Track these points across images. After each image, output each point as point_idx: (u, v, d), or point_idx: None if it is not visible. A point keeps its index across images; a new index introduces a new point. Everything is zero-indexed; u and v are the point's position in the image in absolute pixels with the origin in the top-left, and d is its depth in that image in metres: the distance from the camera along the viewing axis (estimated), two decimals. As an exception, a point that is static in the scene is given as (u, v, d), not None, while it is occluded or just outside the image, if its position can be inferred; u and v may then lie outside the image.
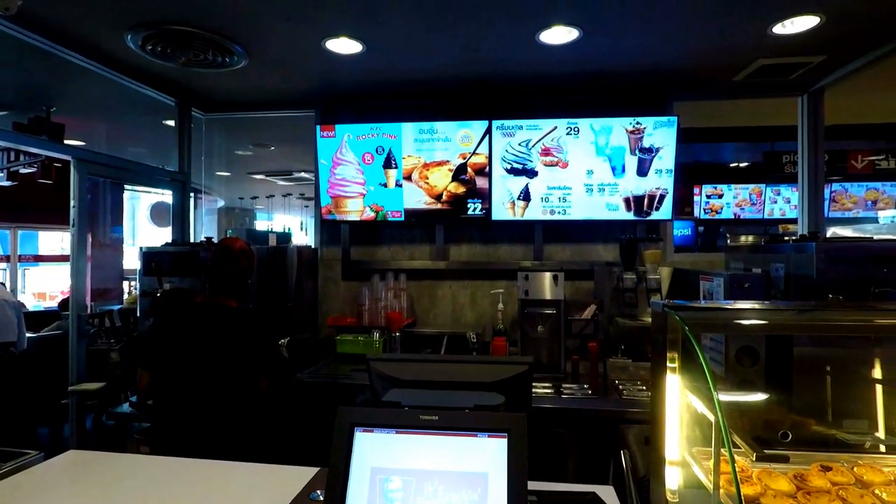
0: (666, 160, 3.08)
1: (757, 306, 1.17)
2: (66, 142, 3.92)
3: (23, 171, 4.78)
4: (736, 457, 1.17)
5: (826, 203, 7.03)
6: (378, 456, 0.91)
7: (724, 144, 6.83)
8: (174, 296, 2.74)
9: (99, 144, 4.66)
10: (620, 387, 2.65)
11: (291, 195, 8.82)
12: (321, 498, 0.89)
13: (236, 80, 3.07)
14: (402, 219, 3.29)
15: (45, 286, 9.64)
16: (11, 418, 3.75)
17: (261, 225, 10.98)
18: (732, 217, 7.31)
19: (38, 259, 9.62)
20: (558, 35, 2.46)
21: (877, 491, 1.05)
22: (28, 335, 4.18)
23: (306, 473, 1.37)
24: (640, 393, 2.56)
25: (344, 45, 2.58)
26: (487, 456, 0.89)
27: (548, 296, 2.91)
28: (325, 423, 1.05)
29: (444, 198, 3.22)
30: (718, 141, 6.56)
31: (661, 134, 3.06)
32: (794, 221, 5.85)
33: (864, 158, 6.66)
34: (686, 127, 4.67)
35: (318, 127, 3.29)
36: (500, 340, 2.94)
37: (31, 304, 8.36)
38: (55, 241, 9.61)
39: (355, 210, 3.32)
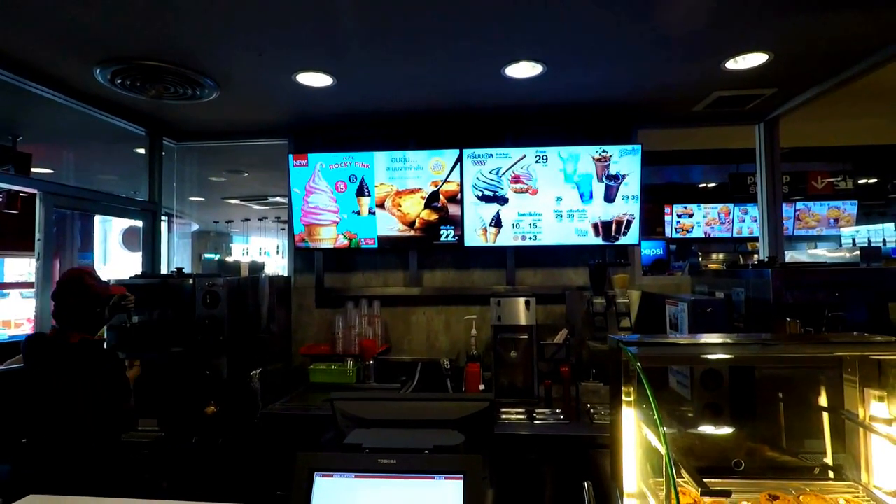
0: (632, 186, 3.19)
1: (704, 341, 1.23)
2: (33, 170, 3.86)
3: (-15, 202, 4.65)
4: (688, 488, 1.21)
5: (791, 221, 7.30)
6: (337, 501, 0.92)
7: (693, 166, 7.06)
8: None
9: (67, 172, 4.58)
10: (592, 411, 2.69)
11: (267, 218, 8.76)
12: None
13: (208, 111, 3.09)
14: (376, 246, 3.31)
15: (11, 313, 9.29)
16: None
17: (237, 248, 10.85)
18: (703, 236, 7.50)
19: (3, 287, 9.29)
20: (523, 70, 2.55)
21: (819, 518, 1.10)
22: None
23: (271, 515, 1.36)
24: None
25: (315, 79, 2.63)
26: (444, 498, 0.91)
27: (521, 321, 2.96)
28: (296, 458, 1.05)
29: (416, 225, 3.26)
30: (687, 163, 6.77)
31: (627, 161, 3.17)
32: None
33: (824, 179, 6.96)
34: (656, 150, 4.83)
35: (290, 156, 3.31)
36: (475, 366, 2.96)
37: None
38: (22, 266, 9.30)
39: (329, 238, 3.33)
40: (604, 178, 3.20)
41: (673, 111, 3.28)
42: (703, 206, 7.42)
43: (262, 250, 10.69)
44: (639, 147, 3.17)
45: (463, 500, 0.90)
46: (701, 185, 7.77)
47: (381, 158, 3.25)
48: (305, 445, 2.67)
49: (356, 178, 3.27)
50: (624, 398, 1.22)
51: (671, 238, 7.54)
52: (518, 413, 2.68)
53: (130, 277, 2.92)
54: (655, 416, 0.98)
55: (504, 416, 2.63)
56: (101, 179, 5.18)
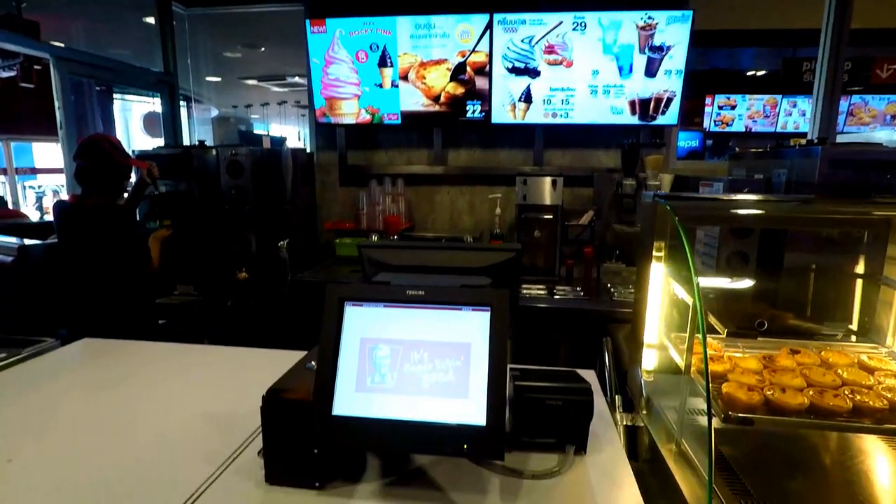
0: (677, 60, 2.92)
1: (744, 198, 1.17)
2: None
3: (2, 75, 4.57)
4: (710, 339, 1.23)
5: (843, 117, 6.73)
6: (367, 327, 0.96)
7: (743, 49, 6.42)
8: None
9: (78, 46, 4.42)
10: (612, 289, 2.72)
11: (287, 102, 8.51)
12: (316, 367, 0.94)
13: (216, -35, 2.83)
14: (399, 122, 3.18)
15: (44, 200, 9.64)
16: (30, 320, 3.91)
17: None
18: (743, 130, 7.05)
19: (35, 171, 9.54)
20: None
21: (839, 371, 1.11)
22: (35, 242, 4.24)
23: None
24: (630, 295, 2.63)
25: (331, -79, 2.34)
26: (471, 327, 0.92)
27: (546, 201, 2.90)
28: (325, 289, 1.05)
29: (442, 99, 3.09)
30: (737, 45, 6.16)
31: (674, 30, 2.87)
32: (806, 136, 5.67)
33: (890, 67, 6.24)
34: (703, 29, 4.35)
35: (307, 21, 3.08)
36: (497, 244, 2.97)
37: (34, 217, 8.43)
38: (51, 154, 9.46)
39: (350, 112, 3.21)
40: (646, 50, 2.92)
41: (734, -31, 2.88)
42: (748, 96, 6.87)
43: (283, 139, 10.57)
44: (690, 13, 2.85)
45: (489, 330, 0.91)
46: (749, 73, 7.14)
47: (404, 25, 3.00)
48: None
49: (378, 47, 3.06)
50: (654, 253, 1.20)
51: (709, 131, 7.11)
52: (539, 289, 2.73)
53: (154, 148, 2.92)
54: (690, 263, 0.96)
55: (525, 292, 2.68)
56: (114, 55, 5.01)
